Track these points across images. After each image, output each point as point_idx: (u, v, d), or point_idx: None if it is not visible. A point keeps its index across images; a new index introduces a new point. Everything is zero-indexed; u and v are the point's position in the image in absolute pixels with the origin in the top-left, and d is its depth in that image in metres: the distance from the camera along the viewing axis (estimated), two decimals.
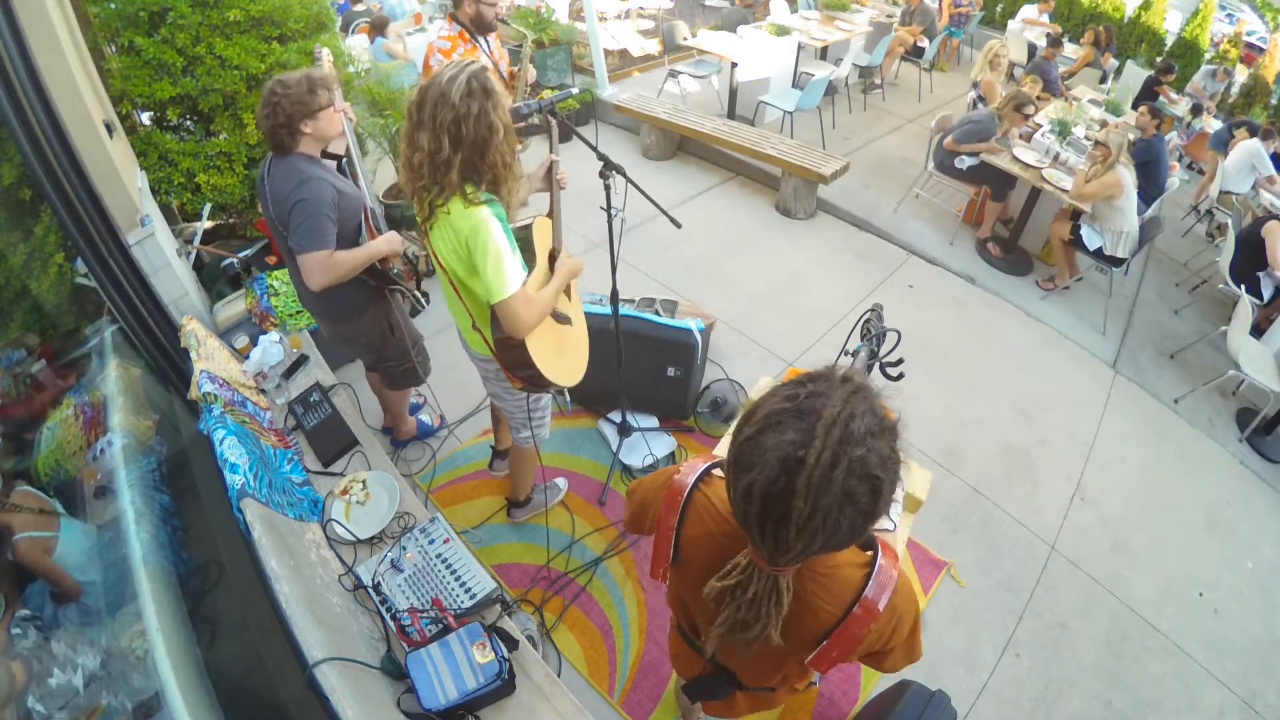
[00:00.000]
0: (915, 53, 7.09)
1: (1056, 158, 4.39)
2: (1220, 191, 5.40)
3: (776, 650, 0.97)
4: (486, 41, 3.09)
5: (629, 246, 4.11)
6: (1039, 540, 2.81)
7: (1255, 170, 5.41)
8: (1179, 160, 6.52)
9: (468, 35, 3.02)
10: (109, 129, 2.49)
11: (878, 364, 1.77)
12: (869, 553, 0.95)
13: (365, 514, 1.95)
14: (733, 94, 5.81)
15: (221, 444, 1.78)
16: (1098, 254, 4.02)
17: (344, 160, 2.21)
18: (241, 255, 3.19)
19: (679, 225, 2.15)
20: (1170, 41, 8.93)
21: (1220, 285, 4.26)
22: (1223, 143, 6.02)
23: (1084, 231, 4.02)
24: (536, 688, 1.57)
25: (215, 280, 3.16)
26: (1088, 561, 2.76)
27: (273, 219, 1.97)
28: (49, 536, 1.72)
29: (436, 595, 1.69)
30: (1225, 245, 4.33)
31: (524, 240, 1.78)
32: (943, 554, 2.66)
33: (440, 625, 1.59)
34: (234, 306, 2.97)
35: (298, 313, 2.88)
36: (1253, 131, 5.64)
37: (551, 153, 1.93)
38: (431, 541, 1.82)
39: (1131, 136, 4.40)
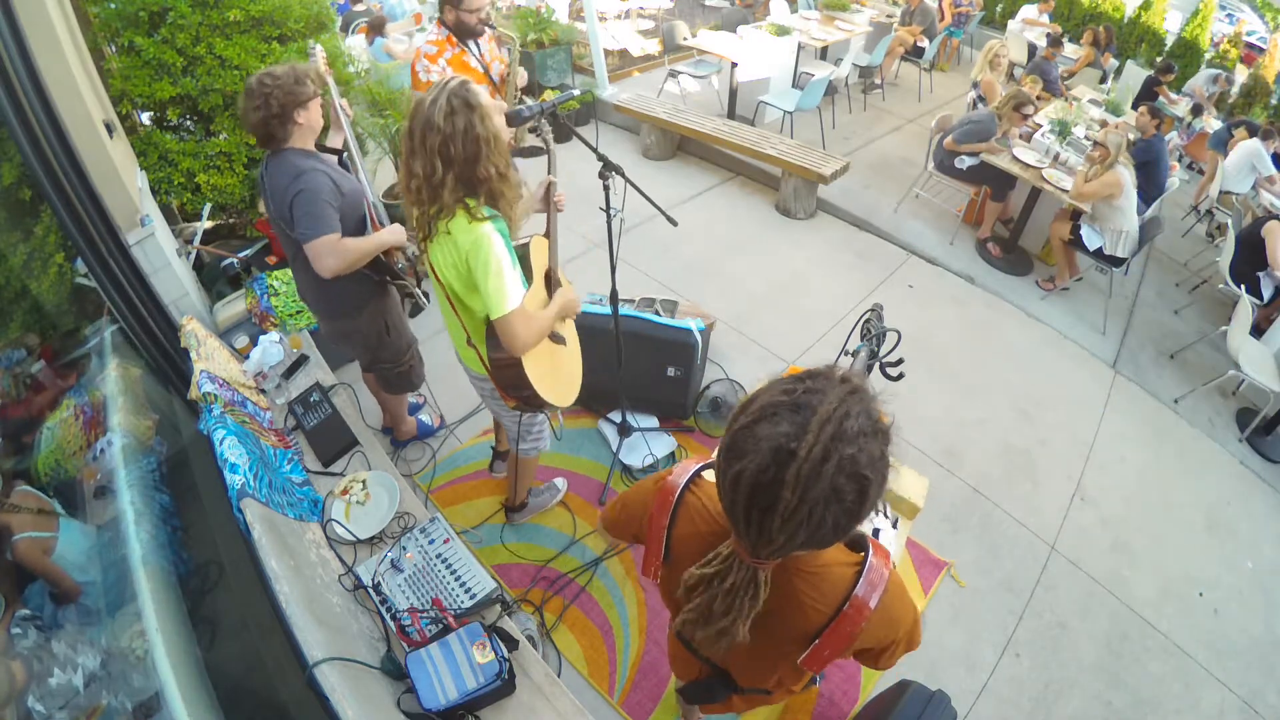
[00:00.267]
0: (915, 53, 7.09)
1: (1056, 158, 4.39)
2: (1220, 191, 5.40)
3: (768, 651, 0.97)
4: (478, 45, 3.00)
5: (629, 246, 4.11)
6: (1039, 540, 2.81)
7: (1255, 170, 5.41)
8: (1179, 160, 6.52)
9: (455, 40, 2.93)
10: (109, 129, 2.49)
11: (878, 364, 1.77)
12: (860, 553, 0.96)
13: (365, 514, 1.95)
14: (733, 94, 5.81)
15: (221, 444, 1.78)
16: (1098, 254, 4.02)
17: (344, 155, 2.21)
18: (241, 255, 3.19)
19: (675, 223, 2.16)
20: (1170, 41, 8.93)
21: (1220, 285, 4.26)
22: (1222, 142, 6.02)
23: (1084, 231, 4.02)
24: (536, 688, 1.57)
25: (215, 280, 3.17)
26: (1088, 561, 2.76)
27: (274, 216, 1.98)
28: (49, 537, 1.72)
29: (436, 595, 1.69)
30: (1225, 245, 4.33)
31: (521, 258, 1.80)
32: (943, 554, 2.66)
33: (440, 625, 1.59)
34: (234, 306, 2.97)
35: (298, 313, 2.88)
36: (1252, 131, 5.64)
37: (550, 174, 1.94)
38: (431, 541, 1.82)
39: (1131, 136, 4.41)
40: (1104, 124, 4.99)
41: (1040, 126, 4.70)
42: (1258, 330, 3.90)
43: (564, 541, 2.55)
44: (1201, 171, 6.46)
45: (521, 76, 3.12)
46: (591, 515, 2.66)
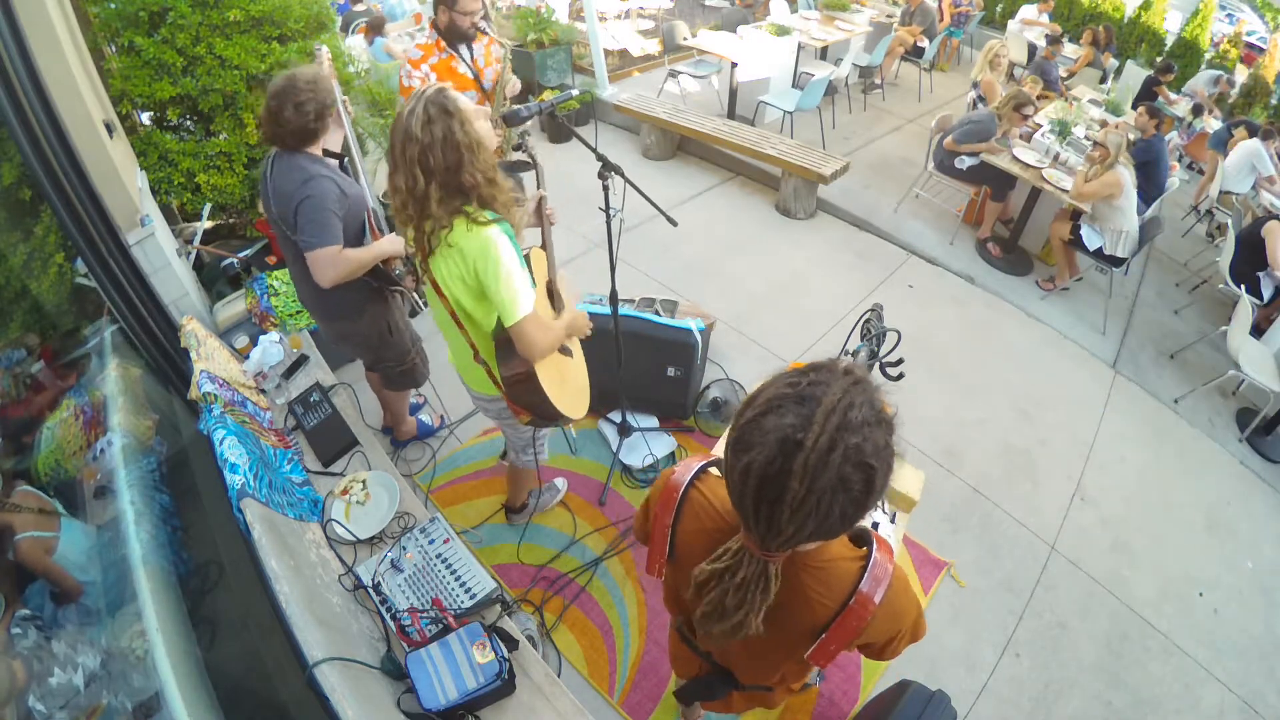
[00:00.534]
0: (915, 53, 7.09)
1: (1056, 158, 4.39)
2: (1220, 191, 5.41)
3: (774, 646, 0.97)
4: (470, 50, 2.88)
5: (629, 246, 4.11)
6: (1039, 540, 2.81)
7: (1255, 170, 5.41)
8: (1179, 160, 6.53)
9: (444, 44, 2.83)
10: (109, 129, 2.49)
11: (878, 364, 1.77)
12: (864, 548, 0.97)
13: (365, 514, 1.95)
14: (733, 94, 5.81)
15: (221, 444, 1.78)
16: (1098, 254, 4.02)
17: (345, 159, 2.21)
18: (241, 255, 3.19)
19: (675, 223, 2.16)
20: (1170, 41, 8.93)
21: (1220, 285, 4.26)
22: (1222, 142, 6.03)
23: (1084, 231, 4.02)
24: (536, 688, 1.57)
25: (215, 280, 3.17)
26: (1088, 561, 2.76)
27: (275, 217, 1.97)
28: (50, 536, 1.72)
29: (436, 595, 1.69)
30: (1225, 245, 4.33)
31: None
32: (943, 554, 2.66)
33: (440, 625, 1.59)
34: (234, 306, 2.97)
35: (298, 313, 2.88)
36: (1252, 131, 5.64)
37: (540, 188, 1.92)
38: (431, 541, 1.82)
39: (1131, 136, 4.41)
40: (1104, 124, 4.99)
41: (1040, 126, 4.70)
42: (1258, 330, 3.90)
43: (564, 541, 2.55)
44: (1201, 171, 6.46)
45: (514, 85, 2.97)
46: (592, 515, 2.66)
